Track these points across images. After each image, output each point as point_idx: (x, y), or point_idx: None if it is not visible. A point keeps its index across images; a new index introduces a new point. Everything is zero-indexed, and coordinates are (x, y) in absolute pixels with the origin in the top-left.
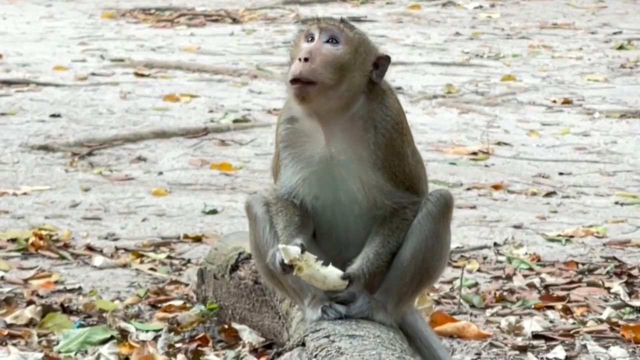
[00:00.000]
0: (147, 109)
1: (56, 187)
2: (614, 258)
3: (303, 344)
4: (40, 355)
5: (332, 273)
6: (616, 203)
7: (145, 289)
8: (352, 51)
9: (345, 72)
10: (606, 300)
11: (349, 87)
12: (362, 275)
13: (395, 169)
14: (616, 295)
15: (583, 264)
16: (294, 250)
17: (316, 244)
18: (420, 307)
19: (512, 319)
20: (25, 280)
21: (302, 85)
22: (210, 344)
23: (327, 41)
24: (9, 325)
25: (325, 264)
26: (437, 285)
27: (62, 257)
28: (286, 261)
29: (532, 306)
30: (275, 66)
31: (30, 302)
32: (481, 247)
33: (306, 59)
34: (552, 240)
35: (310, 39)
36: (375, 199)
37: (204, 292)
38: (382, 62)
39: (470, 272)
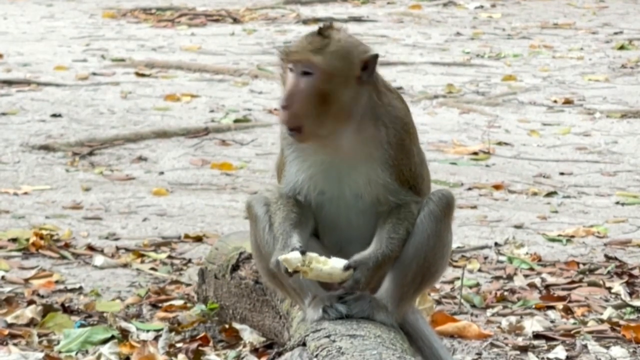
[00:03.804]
0: (147, 108)
1: (57, 187)
2: (615, 258)
3: (304, 344)
4: (41, 355)
5: (336, 268)
6: (617, 203)
7: (146, 289)
8: (329, 75)
9: (328, 97)
10: (607, 300)
11: (340, 104)
12: (368, 260)
13: (402, 167)
14: (617, 295)
15: (584, 264)
16: (295, 258)
17: (317, 240)
18: (421, 307)
19: (513, 318)
20: (26, 280)
21: (291, 131)
22: (211, 343)
23: (304, 73)
24: (10, 325)
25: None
26: (438, 285)
27: (63, 257)
28: (289, 270)
29: (533, 306)
30: (276, 66)
31: (31, 302)
32: (482, 247)
33: (284, 107)
34: (552, 240)
35: (290, 70)
36: (379, 197)
37: (204, 291)
38: (370, 63)
39: (471, 272)
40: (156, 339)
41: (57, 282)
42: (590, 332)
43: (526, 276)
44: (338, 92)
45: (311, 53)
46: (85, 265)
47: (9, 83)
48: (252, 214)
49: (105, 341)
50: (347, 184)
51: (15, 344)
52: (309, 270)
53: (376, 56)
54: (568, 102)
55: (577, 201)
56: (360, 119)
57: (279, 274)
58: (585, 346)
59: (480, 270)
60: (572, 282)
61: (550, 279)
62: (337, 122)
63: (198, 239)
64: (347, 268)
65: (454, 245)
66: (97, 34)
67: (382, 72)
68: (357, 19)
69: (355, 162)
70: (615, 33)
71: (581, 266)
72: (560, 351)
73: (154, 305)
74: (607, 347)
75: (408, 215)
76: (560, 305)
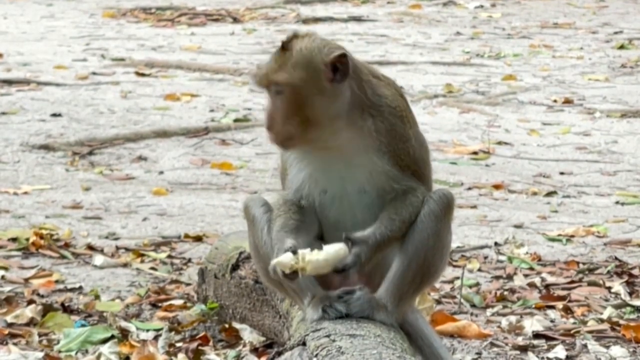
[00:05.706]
0: (147, 108)
1: (57, 187)
2: (615, 258)
3: (304, 344)
4: (41, 354)
5: (331, 251)
6: (617, 203)
7: (145, 288)
8: (297, 87)
9: (304, 107)
10: (607, 300)
11: (319, 110)
12: (367, 238)
13: (400, 153)
14: (617, 294)
15: (584, 264)
16: (287, 258)
17: (322, 243)
18: (421, 307)
19: (513, 318)
20: (26, 280)
21: (281, 146)
22: (210, 343)
23: (277, 92)
24: (10, 325)
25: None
26: (437, 285)
27: (63, 257)
28: (286, 272)
29: (533, 306)
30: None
31: (30, 302)
32: (482, 247)
33: (268, 128)
34: (552, 239)
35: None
36: (383, 186)
37: (204, 291)
38: (339, 63)
39: (471, 271)
40: (156, 338)
41: (57, 281)
42: (590, 332)
43: (526, 276)
44: (313, 99)
45: (275, 72)
46: (85, 264)
47: (9, 83)
48: (250, 215)
49: (105, 341)
50: (348, 180)
51: (15, 344)
52: (306, 264)
53: (343, 55)
54: (568, 101)
55: (577, 201)
56: (348, 113)
57: (281, 279)
58: (585, 346)
59: (480, 270)
60: (572, 281)
61: (550, 279)
62: (323, 124)
63: (198, 239)
64: (346, 240)
65: (454, 245)
66: (97, 33)
67: (382, 71)
68: (357, 19)
69: (351, 157)
70: (615, 33)
71: (581, 266)
72: (560, 351)
73: (154, 305)
74: (607, 347)
75: (413, 200)
76: (560, 304)
